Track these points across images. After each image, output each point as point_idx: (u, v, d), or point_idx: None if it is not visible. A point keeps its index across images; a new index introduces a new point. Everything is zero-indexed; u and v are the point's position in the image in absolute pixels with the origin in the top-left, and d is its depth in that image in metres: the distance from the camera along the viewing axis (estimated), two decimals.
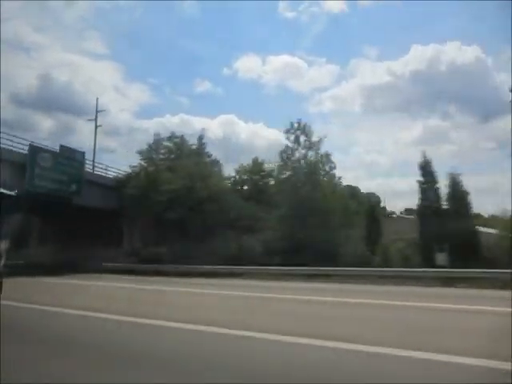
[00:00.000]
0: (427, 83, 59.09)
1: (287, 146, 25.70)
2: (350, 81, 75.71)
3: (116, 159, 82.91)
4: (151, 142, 29.03)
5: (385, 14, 72.54)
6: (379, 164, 77.81)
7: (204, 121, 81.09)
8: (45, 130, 73.01)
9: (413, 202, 22.32)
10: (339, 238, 21.48)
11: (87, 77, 76.41)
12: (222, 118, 78.24)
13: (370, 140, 78.60)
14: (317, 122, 75.00)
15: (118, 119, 72.16)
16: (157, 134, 29.47)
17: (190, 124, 63.83)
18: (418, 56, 60.03)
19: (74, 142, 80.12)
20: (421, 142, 70.04)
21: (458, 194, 20.19)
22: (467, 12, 63.10)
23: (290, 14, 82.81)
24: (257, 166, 32.11)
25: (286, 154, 25.82)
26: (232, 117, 75.36)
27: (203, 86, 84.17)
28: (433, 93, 59.33)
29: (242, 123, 77.21)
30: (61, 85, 67.48)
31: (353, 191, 33.05)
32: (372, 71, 73.02)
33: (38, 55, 76.95)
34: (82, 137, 74.65)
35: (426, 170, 21.43)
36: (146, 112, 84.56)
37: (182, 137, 29.59)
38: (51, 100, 65.04)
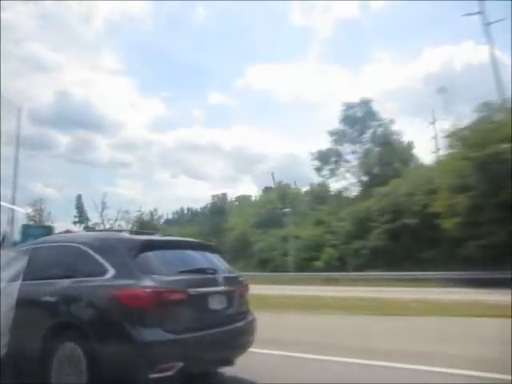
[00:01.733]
0: (442, 85, 58.18)
1: None
2: (362, 86, 75.40)
3: (132, 173, 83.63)
4: None
5: (396, 16, 71.99)
6: None
7: (217, 132, 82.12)
8: (63, 146, 74.61)
9: None
10: None
11: (103, 93, 77.82)
12: (235, 128, 78.91)
13: None
14: None
15: (133, 133, 73.28)
16: None
17: (203, 136, 64.42)
18: (432, 58, 59.18)
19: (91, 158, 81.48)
20: None
21: None
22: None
23: (301, 22, 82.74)
24: None
25: None
26: (245, 127, 75.92)
27: (216, 97, 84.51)
28: (448, 94, 58.28)
29: (255, 133, 77.75)
30: (78, 101, 68.93)
31: None
32: (384, 75, 72.59)
33: (55, 73, 78.51)
34: (100, 152, 76.00)
35: None
36: (160, 125, 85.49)
37: None
38: (69, 117, 66.43)
